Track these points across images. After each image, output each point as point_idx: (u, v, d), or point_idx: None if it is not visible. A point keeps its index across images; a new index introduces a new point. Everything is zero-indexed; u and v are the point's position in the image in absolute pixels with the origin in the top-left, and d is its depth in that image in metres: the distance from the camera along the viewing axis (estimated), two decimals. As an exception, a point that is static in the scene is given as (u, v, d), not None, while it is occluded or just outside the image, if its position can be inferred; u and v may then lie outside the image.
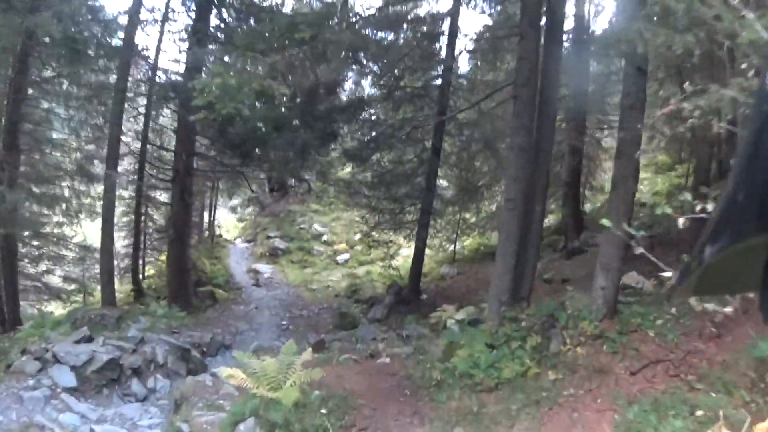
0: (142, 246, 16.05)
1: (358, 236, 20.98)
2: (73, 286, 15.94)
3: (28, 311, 14.43)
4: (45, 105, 14.41)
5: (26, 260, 14.58)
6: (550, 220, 17.34)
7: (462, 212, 16.54)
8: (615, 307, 6.21)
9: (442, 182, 16.36)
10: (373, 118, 15.74)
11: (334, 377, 7.06)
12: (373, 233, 16.31)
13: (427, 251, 15.22)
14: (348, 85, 20.62)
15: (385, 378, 7.17)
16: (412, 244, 15.22)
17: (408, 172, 14.77)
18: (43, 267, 15.25)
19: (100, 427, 6.58)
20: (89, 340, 8.66)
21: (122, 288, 15.60)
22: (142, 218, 16.06)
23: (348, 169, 17.97)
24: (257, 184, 25.81)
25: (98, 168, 15.62)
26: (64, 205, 14.14)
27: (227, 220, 26.76)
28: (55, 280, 15.87)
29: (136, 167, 15.50)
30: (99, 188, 15.84)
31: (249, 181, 18.52)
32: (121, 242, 16.85)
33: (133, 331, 9.40)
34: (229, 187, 20.97)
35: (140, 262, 15.98)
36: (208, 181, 18.34)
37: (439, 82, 13.97)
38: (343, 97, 18.42)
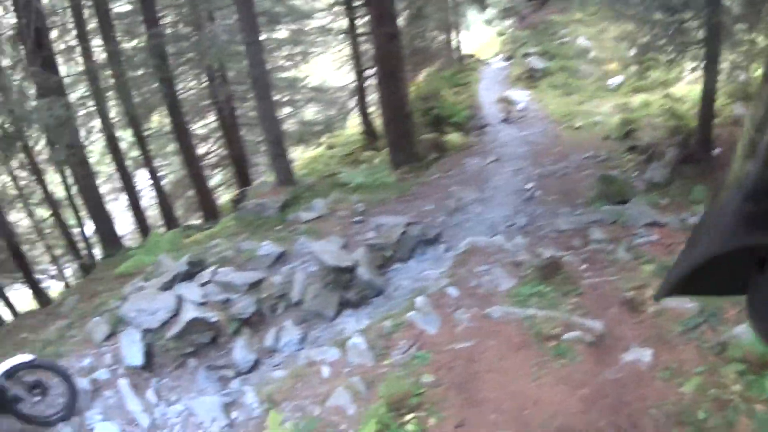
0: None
1: (633, 52, 15.82)
2: (317, 128, 16.21)
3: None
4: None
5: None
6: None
7: (751, 33, 10.63)
8: None
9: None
10: None
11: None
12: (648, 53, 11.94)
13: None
14: None
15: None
16: (697, 70, 10.59)
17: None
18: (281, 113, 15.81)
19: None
20: (189, 276, 6.21)
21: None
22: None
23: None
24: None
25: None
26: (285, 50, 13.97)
27: (486, 35, 23.77)
28: (291, 126, 15.83)
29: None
30: (313, 23, 15.11)
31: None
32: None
33: (268, 246, 6.80)
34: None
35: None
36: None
37: None
38: None
